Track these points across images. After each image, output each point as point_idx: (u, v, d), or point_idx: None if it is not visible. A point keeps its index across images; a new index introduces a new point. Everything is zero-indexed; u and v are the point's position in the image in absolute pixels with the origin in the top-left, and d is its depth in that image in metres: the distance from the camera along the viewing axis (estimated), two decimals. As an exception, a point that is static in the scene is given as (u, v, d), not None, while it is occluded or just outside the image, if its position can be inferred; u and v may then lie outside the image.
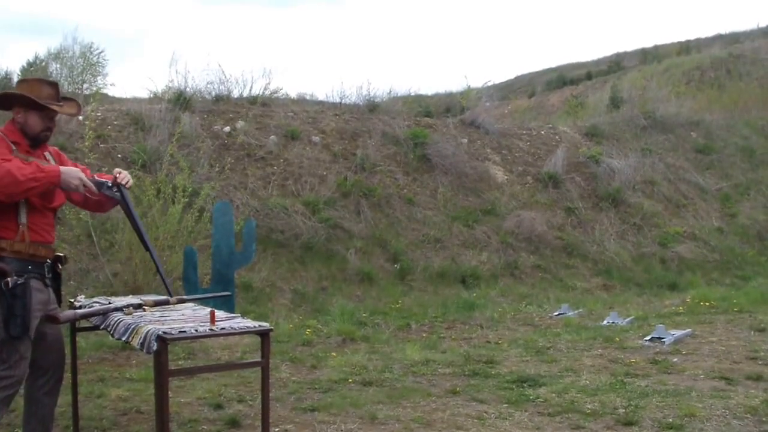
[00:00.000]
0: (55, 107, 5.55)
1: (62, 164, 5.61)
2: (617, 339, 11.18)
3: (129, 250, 12.21)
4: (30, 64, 28.56)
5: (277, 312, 12.87)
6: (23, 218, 5.26)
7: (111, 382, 8.62)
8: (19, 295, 5.12)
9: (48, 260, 5.47)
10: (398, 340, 11.40)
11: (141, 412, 7.49)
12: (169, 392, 7.71)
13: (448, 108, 27.57)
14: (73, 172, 5.40)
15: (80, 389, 7.94)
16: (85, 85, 28.24)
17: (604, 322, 12.62)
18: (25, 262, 5.24)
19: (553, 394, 8.16)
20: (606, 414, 7.44)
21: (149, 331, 4.89)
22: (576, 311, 13.60)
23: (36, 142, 5.52)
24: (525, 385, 8.60)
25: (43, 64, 28.88)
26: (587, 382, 8.76)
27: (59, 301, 5.69)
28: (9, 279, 5.11)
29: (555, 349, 10.69)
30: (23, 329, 5.12)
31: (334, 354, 10.24)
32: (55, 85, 5.67)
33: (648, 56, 49.40)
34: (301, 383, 8.69)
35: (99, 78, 31.04)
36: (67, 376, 6.01)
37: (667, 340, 10.90)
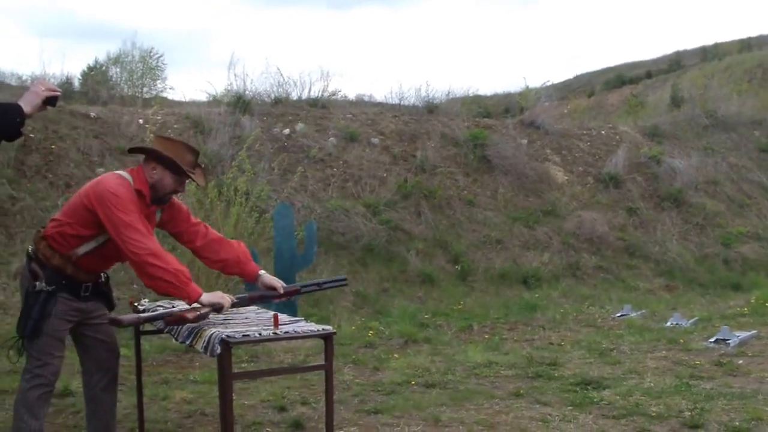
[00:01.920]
0: (193, 178, 5.52)
1: (171, 214, 5.70)
2: (681, 340, 11.03)
3: (191, 253, 12.23)
4: (90, 69, 28.80)
5: (339, 314, 12.86)
6: (84, 249, 5.25)
7: (175, 384, 8.64)
8: (40, 301, 5.13)
9: (86, 283, 5.46)
10: (460, 342, 11.33)
11: (205, 414, 7.50)
12: (233, 395, 7.78)
13: (506, 108, 27.52)
14: (216, 297, 5.33)
15: (146, 391, 7.99)
16: (144, 89, 28.51)
17: (668, 323, 12.47)
18: (60, 276, 5.24)
19: (618, 397, 8.06)
20: (671, 417, 7.33)
21: (213, 334, 4.88)
22: (638, 312, 13.44)
23: (159, 202, 5.47)
24: (589, 387, 8.50)
25: (103, 68, 29.12)
26: (651, 384, 8.64)
27: (111, 308, 5.70)
28: (37, 283, 5.14)
29: (618, 351, 10.57)
30: (32, 333, 5.13)
31: (396, 356, 10.20)
32: (197, 153, 5.62)
33: (708, 54, 48.90)
34: (363, 385, 8.66)
35: (158, 82, 31.33)
36: (132, 378, 6.04)
37: (732, 341, 10.74)
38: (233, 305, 5.41)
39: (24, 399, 5.25)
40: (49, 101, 4.64)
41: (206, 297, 5.22)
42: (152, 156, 5.39)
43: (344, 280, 5.87)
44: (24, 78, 26.15)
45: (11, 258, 11.96)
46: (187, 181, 5.56)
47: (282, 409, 7.64)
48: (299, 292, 5.62)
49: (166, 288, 5.12)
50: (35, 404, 5.25)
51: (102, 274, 5.62)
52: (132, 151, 5.96)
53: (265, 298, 5.70)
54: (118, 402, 7.31)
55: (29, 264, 5.28)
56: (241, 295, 5.59)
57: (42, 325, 5.15)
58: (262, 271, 5.83)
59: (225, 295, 5.38)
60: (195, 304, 5.19)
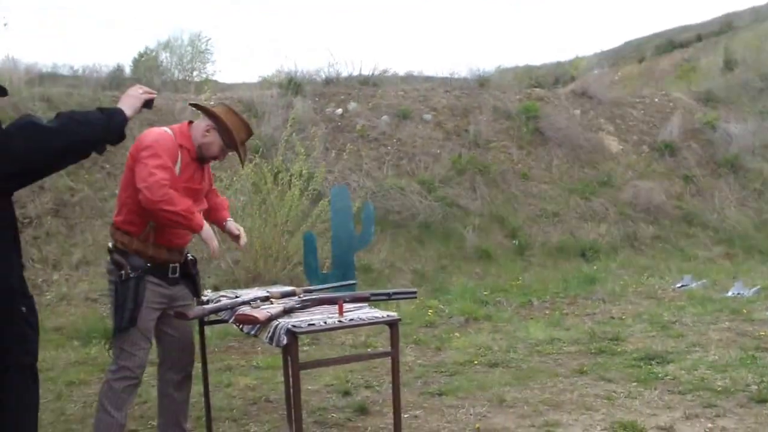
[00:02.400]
0: (240, 153, 5.62)
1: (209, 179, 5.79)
2: (744, 311, 10.91)
3: (249, 237, 12.28)
4: (141, 55, 29.00)
5: (397, 293, 12.82)
6: (153, 222, 5.29)
7: (238, 371, 8.68)
8: (131, 288, 5.16)
9: (173, 263, 5.49)
10: (521, 318, 11.29)
11: (270, 401, 7.51)
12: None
13: (557, 78, 27.32)
14: (211, 234, 5.46)
15: (209, 379, 8.04)
16: (194, 73, 28.62)
17: (729, 293, 12.35)
18: (144, 260, 5.27)
19: (682, 371, 7.97)
20: (738, 391, 7.23)
21: (278, 324, 4.86)
22: (699, 282, 13.31)
23: (202, 161, 5.55)
24: (653, 362, 8.41)
25: (153, 54, 29.30)
26: (716, 357, 8.54)
27: (196, 294, 5.73)
28: (122, 272, 5.15)
29: (680, 323, 10.47)
30: (129, 322, 5.16)
31: (457, 335, 10.17)
32: (251, 134, 5.74)
33: (760, 14, 48.11)
34: (426, 366, 8.64)
35: (208, 65, 31.45)
36: (197, 366, 6.05)
37: (796, 310, 10.63)
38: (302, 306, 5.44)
39: (109, 391, 5.28)
40: (147, 104, 4.70)
41: (206, 230, 5.38)
42: (213, 119, 5.43)
43: (414, 292, 5.85)
44: (76, 68, 26.35)
45: (72, 249, 12.07)
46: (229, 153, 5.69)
47: (346, 393, 7.63)
48: (368, 299, 5.58)
49: (173, 225, 5.25)
50: (120, 396, 5.27)
51: (188, 255, 5.67)
52: (196, 106, 5.91)
53: (330, 301, 5.67)
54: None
55: (112, 257, 5.30)
56: (311, 295, 5.58)
57: (137, 314, 5.19)
58: (229, 219, 6.06)
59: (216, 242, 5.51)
60: (261, 303, 5.23)
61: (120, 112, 4.13)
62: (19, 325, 3.83)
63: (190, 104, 6.18)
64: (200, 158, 5.48)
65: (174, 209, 5.10)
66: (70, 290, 11.30)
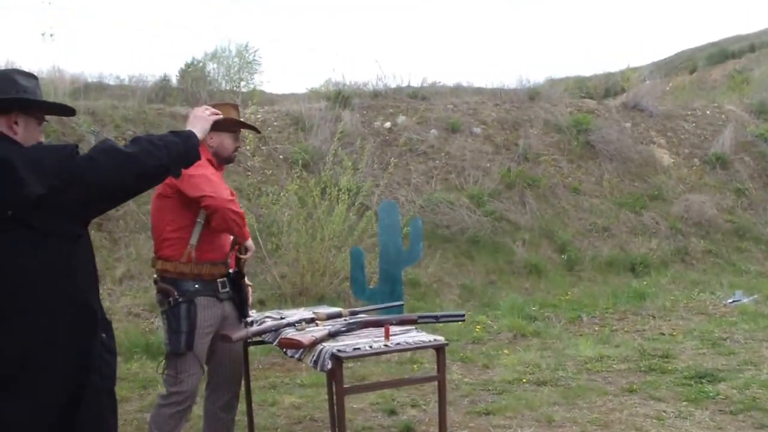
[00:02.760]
0: (248, 125, 5.91)
1: None
2: (798, 327, 10.75)
3: (296, 252, 12.29)
4: (188, 66, 29.11)
5: (445, 307, 12.74)
6: (194, 239, 5.29)
7: (283, 389, 8.62)
8: (183, 312, 5.16)
9: (220, 277, 5.47)
10: (570, 335, 11.16)
11: (315, 419, 7.46)
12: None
13: (607, 89, 27.13)
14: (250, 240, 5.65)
15: (253, 397, 7.98)
16: (242, 83, 28.71)
17: (783, 308, 12.16)
18: (191, 282, 5.26)
19: (734, 390, 7.85)
20: (792, 411, 7.12)
21: (323, 348, 4.83)
22: (751, 297, 13.11)
23: (227, 162, 5.70)
24: (704, 380, 8.28)
25: (201, 65, 29.41)
26: (768, 375, 8.41)
27: (244, 314, 5.67)
28: (171, 299, 5.15)
29: (732, 340, 10.32)
30: (186, 346, 5.15)
31: (506, 351, 10.07)
32: (237, 107, 5.87)
33: (814, 25, 47.65)
34: (473, 385, 8.55)
35: (255, 76, 31.51)
36: (241, 383, 6.03)
37: None
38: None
39: (158, 417, 5.29)
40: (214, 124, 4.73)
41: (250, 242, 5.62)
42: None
43: (462, 316, 5.80)
44: (122, 78, 26.49)
45: (116, 263, 12.09)
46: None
47: (392, 412, 7.57)
48: (416, 322, 5.54)
49: (233, 228, 5.35)
50: (169, 423, 5.27)
51: (225, 265, 5.64)
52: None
53: (376, 324, 5.62)
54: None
55: (158, 286, 5.31)
56: (357, 318, 5.55)
57: (193, 338, 5.20)
58: None
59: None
60: (306, 325, 5.22)
61: (193, 135, 4.12)
62: (98, 352, 3.81)
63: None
64: (223, 162, 5.57)
65: (239, 211, 5.26)
66: (112, 305, 11.30)
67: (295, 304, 11.32)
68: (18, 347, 3.56)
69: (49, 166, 3.57)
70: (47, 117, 4.03)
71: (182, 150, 3.98)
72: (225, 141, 5.51)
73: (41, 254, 3.61)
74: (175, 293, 5.20)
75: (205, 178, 5.14)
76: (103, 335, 3.86)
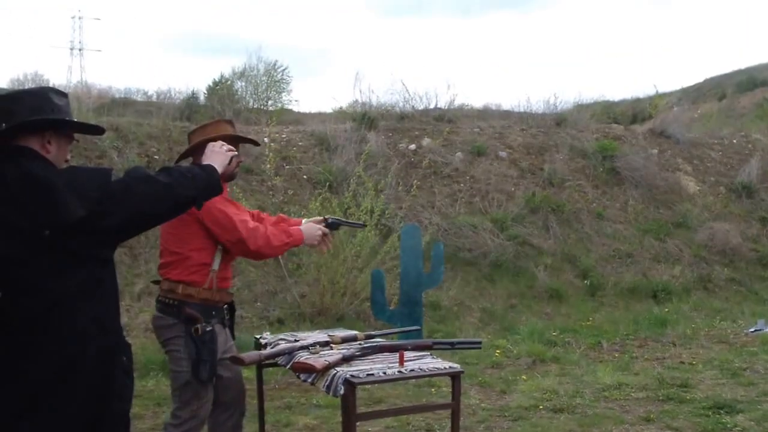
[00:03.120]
0: (245, 138, 5.98)
1: None
2: (818, 358, 10.66)
3: (316, 271, 12.30)
4: (216, 83, 29.28)
5: (465, 331, 12.72)
6: (216, 265, 5.31)
7: (298, 409, 8.59)
8: (207, 341, 5.15)
9: (227, 304, 5.52)
10: (589, 361, 11.09)
11: (330, 441, 7.45)
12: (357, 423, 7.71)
13: (635, 115, 27.06)
14: (311, 229, 5.73)
15: (268, 417, 7.95)
16: (269, 102, 28.78)
17: (803, 339, 12.06)
18: (209, 308, 5.28)
19: (752, 422, 7.78)
20: (808, 445, 7.05)
21: (336, 373, 4.81)
22: (773, 327, 13.02)
23: (230, 179, 5.66)
24: (722, 411, 8.20)
25: (228, 82, 29.54)
26: (787, 408, 8.33)
27: (232, 335, 5.74)
28: (198, 326, 5.15)
29: (752, 371, 10.23)
30: (211, 374, 5.16)
31: (524, 377, 10.01)
32: (231, 122, 5.91)
33: None
34: (490, 410, 8.50)
35: (283, 94, 31.60)
36: (255, 403, 6.03)
37: None
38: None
39: None
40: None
41: (305, 230, 5.72)
42: (203, 147, 5.41)
43: (479, 343, 5.77)
44: (150, 93, 26.59)
45: (135, 279, 12.13)
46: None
47: (407, 436, 7.55)
48: (431, 347, 5.53)
49: (284, 251, 5.85)
50: None
51: (231, 294, 5.73)
52: (184, 157, 5.90)
53: (391, 349, 5.63)
54: (243, 430, 7.35)
55: (183, 309, 5.26)
56: (372, 342, 5.54)
57: (215, 365, 5.23)
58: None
59: (317, 227, 5.80)
60: (320, 348, 5.20)
61: (215, 170, 4.20)
62: (120, 377, 3.85)
63: (179, 159, 6.14)
64: (226, 180, 5.51)
65: (284, 240, 5.49)
66: (131, 320, 11.33)
67: (314, 324, 11.34)
68: (48, 369, 3.58)
69: (90, 190, 3.61)
70: (76, 135, 4.10)
71: (207, 183, 4.08)
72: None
73: (74, 277, 3.63)
74: (202, 321, 5.21)
75: (225, 219, 5.29)
76: (124, 358, 3.90)
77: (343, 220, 6.54)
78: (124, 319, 11.37)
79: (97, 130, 4.50)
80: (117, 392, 3.81)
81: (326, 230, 5.79)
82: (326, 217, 6.12)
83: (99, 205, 3.58)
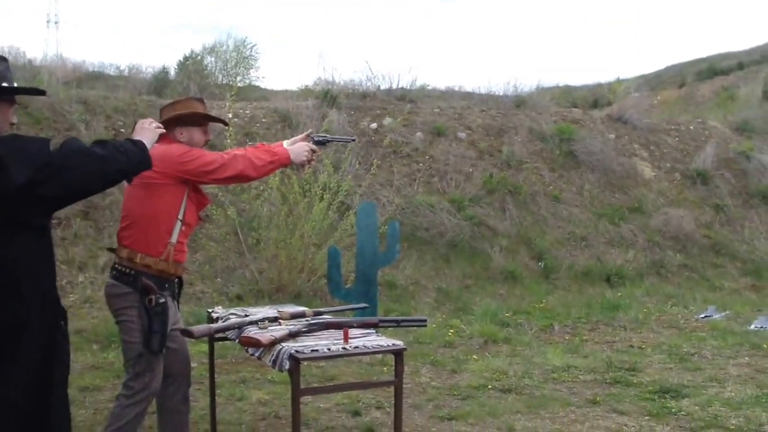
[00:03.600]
0: (216, 118, 5.93)
1: None
2: (765, 346, 10.74)
3: (275, 248, 12.27)
4: (186, 59, 29.14)
5: (420, 310, 12.75)
6: (174, 238, 5.27)
7: (252, 384, 8.59)
8: (160, 312, 5.11)
9: (179, 278, 5.49)
10: (540, 343, 11.14)
11: (279, 417, 7.43)
12: (310, 397, 7.72)
13: (596, 100, 27.19)
14: (299, 147, 5.67)
15: (222, 391, 7.99)
16: (238, 78, 28.79)
17: (752, 326, 12.15)
18: (163, 280, 5.24)
19: (696, 407, 7.83)
20: (751, 430, 7.10)
21: (282, 348, 4.80)
22: (722, 314, 13.13)
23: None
24: (667, 396, 8.26)
25: (199, 58, 29.45)
26: (732, 394, 8.38)
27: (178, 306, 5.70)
28: (153, 297, 5.10)
29: (700, 356, 10.31)
30: (162, 345, 5.12)
31: (475, 357, 10.04)
32: (202, 101, 5.84)
33: (802, 45, 47.74)
34: (440, 389, 8.53)
35: (252, 71, 31.61)
36: (206, 376, 6.02)
37: (818, 348, 10.44)
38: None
39: (122, 415, 5.21)
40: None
41: (292, 149, 5.65)
42: (173, 122, 5.45)
43: (424, 321, 5.76)
44: (122, 68, 26.50)
45: (99, 252, 12.04)
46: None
47: (356, 413, 7.54)
48: (377, 325, 5.52)
49: (270, 170, 5.69)
50: (131, 420, 5.21)
51: (184, 268, 5.67)
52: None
53: (337, 326, 5.62)
54: (196, 403, 7.35)
55: (141, 280, 5.21)
56: (318, 319, 5.53)
57: (166, 336, 5.17)
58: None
59: (304, 144, 5.73)
60: (269, 324, 5.20)
61: (145, 146, 4.28)
62: (61, 341, 3.91)
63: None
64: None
65: (267, 160, 5.47)
66: (94, 293, 11.26)
67: (273, 301, 11.31)
68: None
69: (30, 158, 3.61)
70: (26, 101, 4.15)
71: (139, 158, 4.14)
72: (195, 135, 5.48)
73: (14, 244, 3.66)
74: (157, 292, 5.16)
75: (204, 161, 5.30)
76: (62, 323, 3.95)
77: (330, 136, 6.39)
78: (88, 291, 11.34)
79: (38, 92, 4.54)
80: (59, 356, 3.86)
81: (314, 147, 5.73)
82: (309, 133, 6.01)
83: (38, 174, 3.57)
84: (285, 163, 5.59)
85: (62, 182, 3.67)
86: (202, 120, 5.53)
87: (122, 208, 5.47)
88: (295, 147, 5.62)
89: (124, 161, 3.96)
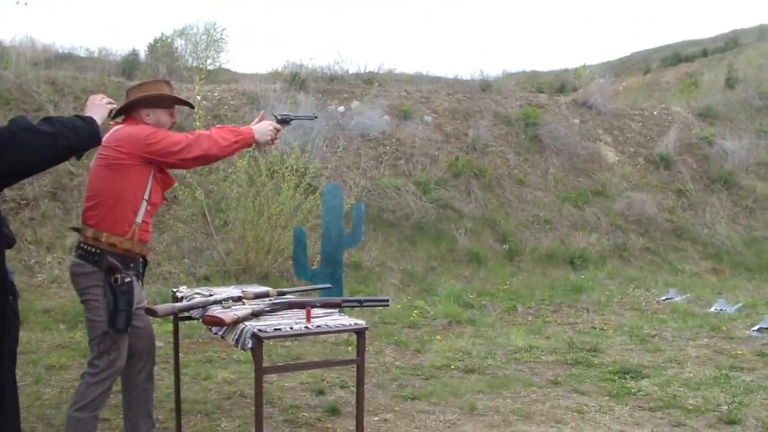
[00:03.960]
0: (183, 101, 5.84)
1: None
2: (724, 328, 10.85)
3: (242, 229, 12.27)
4: (156, 41, 29.00)
5: (385, 291, 12.79)
6: (139, 218, 5.25)
7: (218, 363, 8.60)
8: (125, 291, 5.09)
9: (143, 257, 5.49)
10: (504, 324, 11.20)
11: (244, 396, 7.43)
12: (275, 376, 7.74)
13: (563, 85, 27.26)
14: (263, 126, 5.64)
15: (188, 370, 8.01)
16: (208, 61, 28.69)
17: (712, 309, 12.27)
18: (129, 259, 5.23)
19: (656, 387, 7.91)
20: (708, 411, 7.17)
21: (245, 328, 4.81)
22: (683, 296, 13.25)
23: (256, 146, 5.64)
24: (627, 376, 8.34)
25: (169, 40, 29.31)
26: (691, 374, 8.47)
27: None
28: (118, 276, 5.09)
29: (660, 338, 10.40)
30: (128, 324, 5.10)
31: (438, 338, 10.09)
32: (169, 83, 5.80)
33: (766, 33, 47.93)
34: (403, 369, 8.57)
35: (222, 54, 31.52)
36: (172, 356, 6.01)
37: (776, 330, 10.54)
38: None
39: (86, 394, 5.20)
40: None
41: (257, 128, 5.62)
42: (140, 103, 5.44)
43: (386, 301, 5.77)
44: (92, 50, 26.35)
45: (67, 232, 11.99)
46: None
47: (320, 392, 7.57)
48: (340, 305, 5.53)
49: (236, 149, 5.57)
50: (97, 398, 5.20)
51: (148, 248, 5.65)
52: (120, 113, 5.87)
53: (300, 305, 5.63)
54: (161, 381, 7.36)
55: (102, 260, 5.20)
56: (282, 299, 5.54)
57: (131, 315, 5.15)
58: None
59: (267, 124, 5.70)
60: (232, 303, 5.21)
61: (95, 121, 4.28)
62: (10, 315, 3.96)
63: (115, 115, 6.08)
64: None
65: (232, 139, 5.42)
66: (62, 273, 11.23)
67: (239, 281, 11.33)
68: None
69: None
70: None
71: (88, 134, 4.19)
72: (161, 117, 5.45)
73: None
74: (123, 271, 5.14)
75: (170, 142, 5.23)
76: (11, 298, 4.00)
77: (292, 114, 6.37)
78: (56, 271, 11.30)
79: None
80: (8, 330, 3.92)
81: (278, 126, 5.72)
82: (274, 114, 6.02)
83: None
84: (249, 142, 5.55)
85: (9, 160, 3.71)
86: (168, 102, 5.50)
87: (87, 188, 5.41)
88: (259, 126, 5.60)
89: (72, 137, 4.00)
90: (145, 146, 5.16)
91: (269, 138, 5.61)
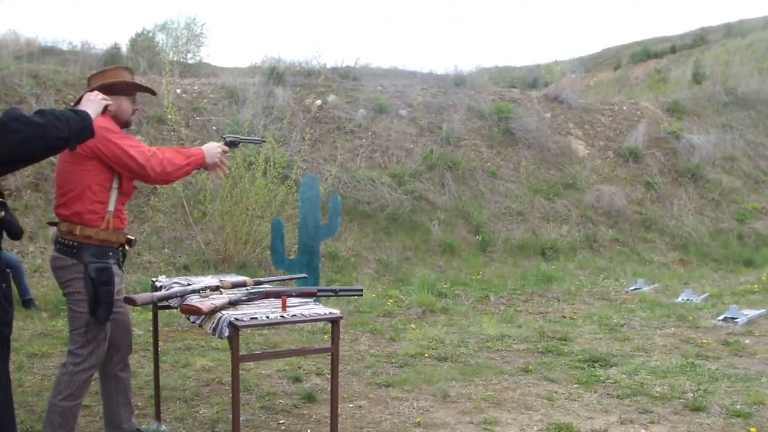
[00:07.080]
0: (144, 88, 5.74)
1: None
2: (690, 317, 10.89)
3: (221, 219, 12.25)
4: (138, 35, 28.90)
5: (361, 281, 12.80)
6: (111, 206, 5.20)
7: (197, 351, 8.58)
8: (105, 281, 5.06)
9: (122, 245, 5.43)
10: (476, 313, 11.22)
11: (223, 383, 7.41)
12: (252, 364, 7.72)
13: (535, 80, 27.29)
14: (212, 148, 5.55)
15: (167, 358, 7.98)
16: (189, 55, 28.63)
17: (679, 298, 12.32)
18: (107, 249, 5.19)
19: (624, 375, 7.93)
20: (674, 398, 7.18)
21: (222, 316, 4.80)
22: (651, 286, 13.31)
23: (127, 126, 5.51)
24: (596, 364, 8.36)
25: (150, 35, 29.23)
26: (658, 363, 8.49)
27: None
28: (96, 266, 5.05)
29: (628, 327, 10.44)
30: (109, 314, 5.07)
31: (413, 326, 10.10)
32: (130, 70, 5.69)
33: (732, 30, 48.12)
34: (378, 356, 8.57)
35: (202, 48, 31.50)
36: (151, 343, 5.99)
37: (740, 320, 10.57)
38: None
39: (71, 382, 5.17)
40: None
41: (206, 149, 5.52)
42: (102, 91, 5.23)
43: (360, 290, 5.76)
44: (75, 44, 26.24)
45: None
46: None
47: (297, 380, 7.56)
48: (315, 294, 5.52)
49: (185, 172, 5.45)
50: (80, 386, 5.17)
51: (126, 235, 5.59)
52: (80, 100, 5.84)
53: (276, 295, 5.61)
54: (141, 369, 7.34)
55: (79, 252, 5.16)
56: (259, 288, 5.51)
57: (112, 305, 5.11)
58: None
59: (216, 145, 5.60)
60: (210, 292, 5.19)
61: (88, 115, 4.26)
62: (2, 302, 3.98)
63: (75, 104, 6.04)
64: (123, 126, 5.42)
65: (182, 163, 5.29)
66: (44, 263, 11.18)
67: (218, 271, 11.32)
68: None
69: None
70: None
71: (80, 127, 4.13)
72: (123, 104, 5.38)
73: None
74: (101, 262, 5.10)
75: (124, 150, 5.08)
76: (3, 285, 4.00)
77: (241, 137, 6.32)
78: (38, 261, 11.24)
79: None
80: (1, 317, 3.93)
81: (225, 148, 5.63)
82: (223, 136, 5.97)
83: None
84: (200, 163, 5.45)
85: (1, 149, 3.68)
86: (130, 89, 5.43)
87: (56, 183, 5.37)
88: (208, 147, 5.52)
89: (64, 129, 3.95)
90: (103, 148, 5.09)
91: (217, 160, 5.53)
